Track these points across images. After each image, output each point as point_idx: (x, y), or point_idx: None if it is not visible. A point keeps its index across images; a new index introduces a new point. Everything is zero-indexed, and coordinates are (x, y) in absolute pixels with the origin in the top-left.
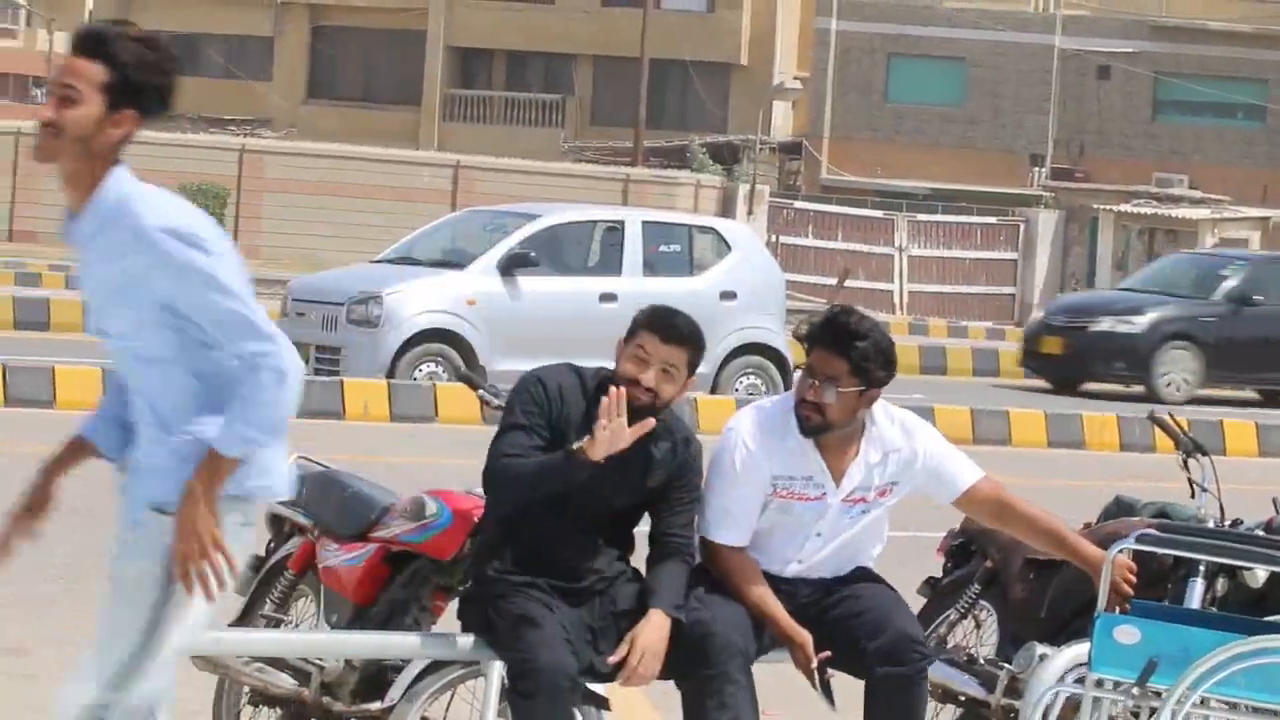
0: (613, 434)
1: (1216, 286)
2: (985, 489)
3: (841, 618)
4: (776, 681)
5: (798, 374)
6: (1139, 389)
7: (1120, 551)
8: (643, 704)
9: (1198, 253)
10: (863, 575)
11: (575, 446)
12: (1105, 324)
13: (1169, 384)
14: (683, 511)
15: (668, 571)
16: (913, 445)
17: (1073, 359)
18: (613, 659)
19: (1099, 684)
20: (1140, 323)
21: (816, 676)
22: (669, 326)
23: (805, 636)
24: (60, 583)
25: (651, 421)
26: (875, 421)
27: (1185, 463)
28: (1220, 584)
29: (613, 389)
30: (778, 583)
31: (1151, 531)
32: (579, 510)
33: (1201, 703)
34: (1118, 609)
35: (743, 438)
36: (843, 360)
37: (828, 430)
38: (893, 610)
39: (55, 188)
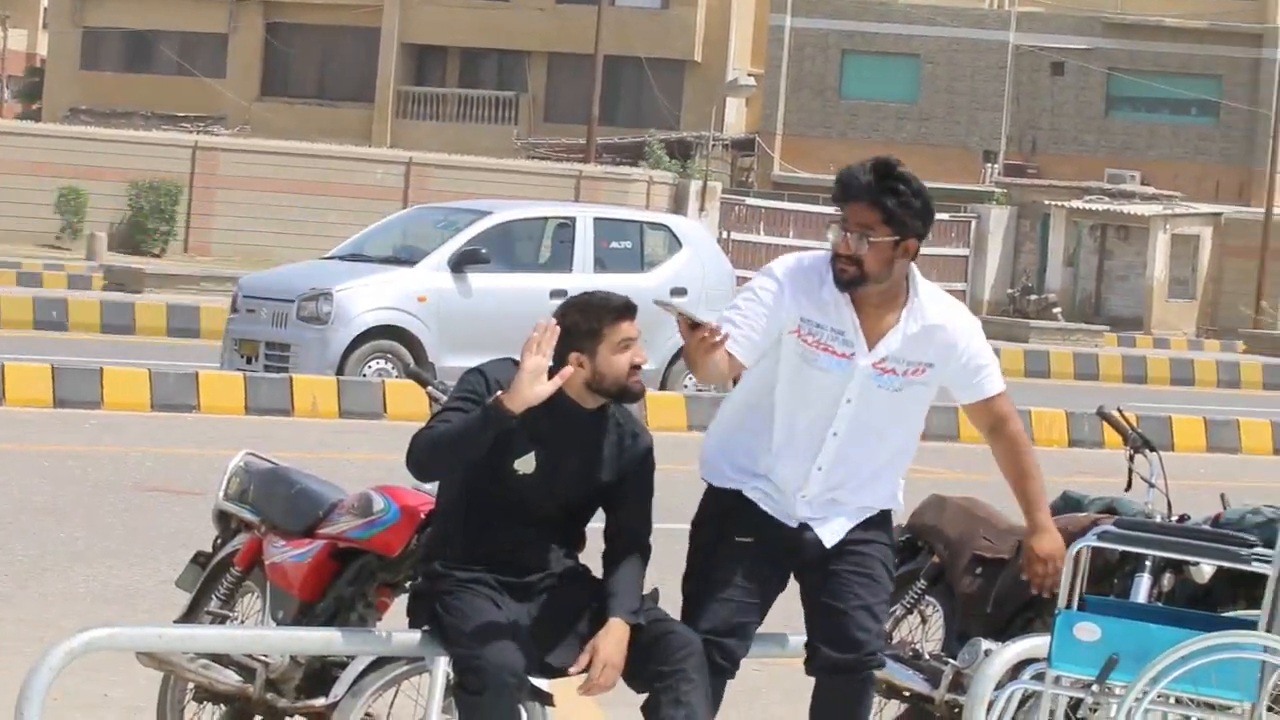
0: (531, 375)
1: None
2: (1004, 403)
3: (815, 601)
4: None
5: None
6: None
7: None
8: (588, 700)
9: None
10: (868, 549)
11: (493, 398)
12: None
13: None
14: (637, 508)
15: (626, 573)
16: (956, 328)
17: None
18: (574, 669)
19: (1058, 681)
20: None
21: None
22: (628, 307)
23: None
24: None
25: (570, 369)
26: (918, 294)
27: (1133, 458)
28: (1166, 579)
29: (540, 323)
30: (787, 532)
31: (1111, 528)
32: (527, 507)
33: (1160, 699)
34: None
35: (775, 272)
36: (875, 210)
37: (863, 283)
38: (856, 614)
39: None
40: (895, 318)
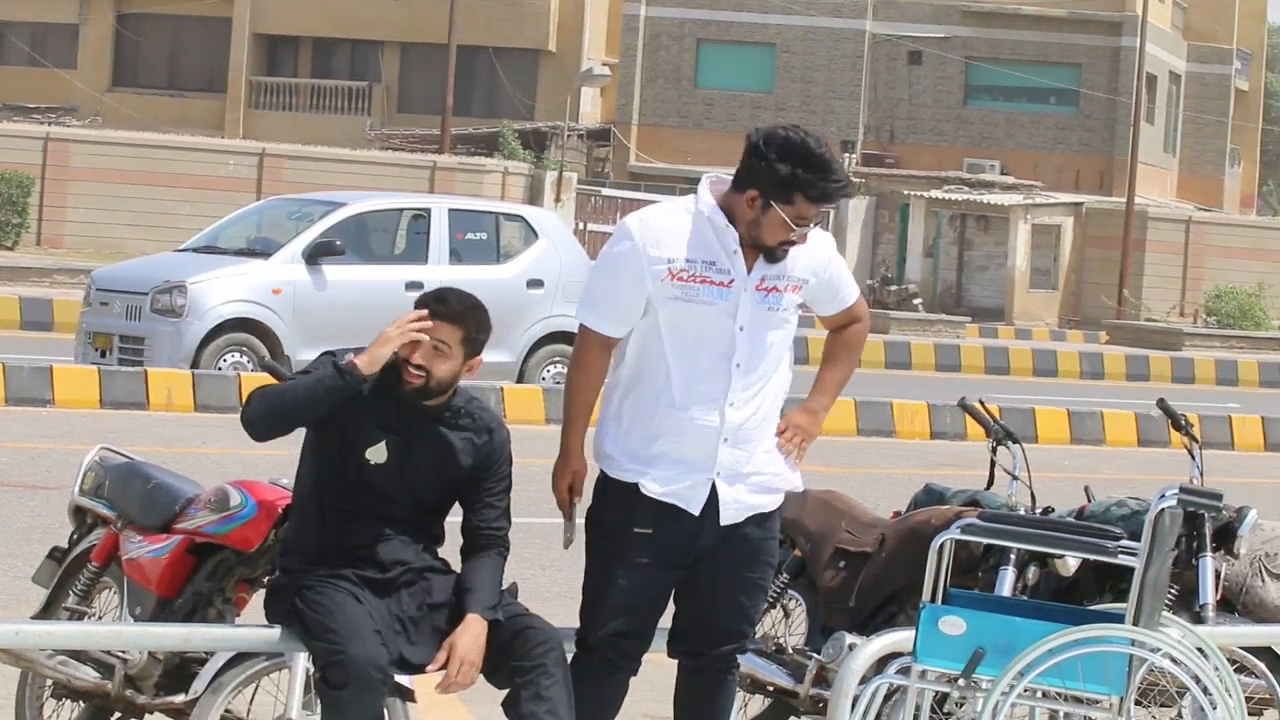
0: (384, 340)
1: None
2: (861, 306)
3: (691, 589)
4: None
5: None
6: None
7: (943, 543)
8: (450, 696)
9: None
10: (758, 545)
11: (347, 359)
12: None
13: None
14: (495, 503)
15: (483, 569)
16: (821, 243)
17: None
18: (431, 667)
19: (923, 675)
20: None
21: (566, 509)
22: (437, 303)
23: (580, 467)
24: None
25: (425, 338)
26: None
27: (995, 450)
28: (1031, 572)
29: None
30: (687, 521)
31: (975, 521)
32: (383, 500)
33: (1027, 693)
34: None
35: (631, 228)
36: (812, 206)
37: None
38: (727, 610)
39: None
40: None
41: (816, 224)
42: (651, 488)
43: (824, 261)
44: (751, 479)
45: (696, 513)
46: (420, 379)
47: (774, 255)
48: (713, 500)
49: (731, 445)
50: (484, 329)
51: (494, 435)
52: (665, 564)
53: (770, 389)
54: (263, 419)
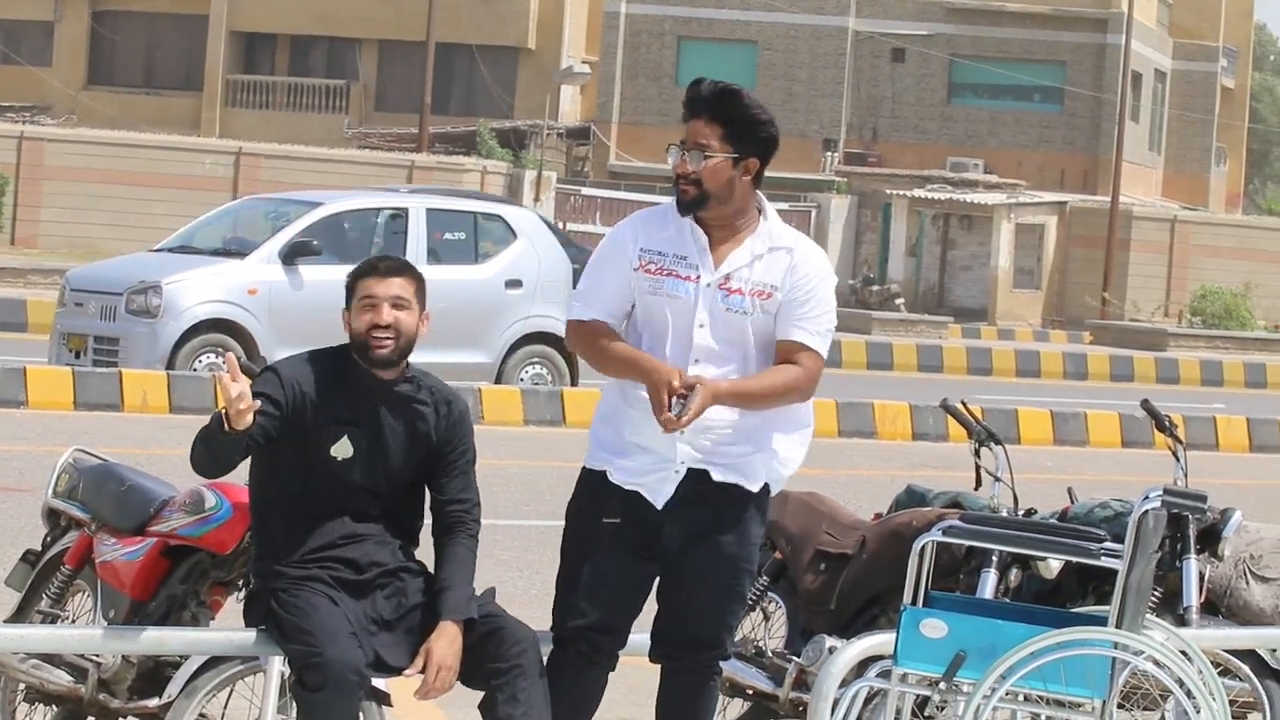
0: (226, 389)
1: None
2: (802, 357)
3: (666, 593)
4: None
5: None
6: None
7: (925, 544)
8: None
9: None
10: (730, 548)
11: (223, 415)
12: None
13: None
14: (459, 474)
15: (457, 565)
16: (804, 256)
17: None
18: (409, 671)
19: (904, 678)
20: None
21: (673, 407)
22: (382, 262)
23: (671, 371)
24: None
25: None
26: (768, 217)
27: (978, 451)
28: (1013, 575)
29: (229, 356)
30: (653, 514)
31: (957, 523)
32: (356, 496)
33: (1008, 696)
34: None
35: (620, 226)
36: (714, 125)
37: (703, 203)
38: (703, 614)
39: None
40: (740, 240)
41: (706, 155)
42: (619, 476)
43: (799, 278)
44: (721, 456)
45: (660, 505)
46: (390, 340)
47: (679, 199)
48: (680, 496)
49: (687, 442)
50: (423, 281)
51: (454, 406)
52: (633, 554)
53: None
54: (208, 464)
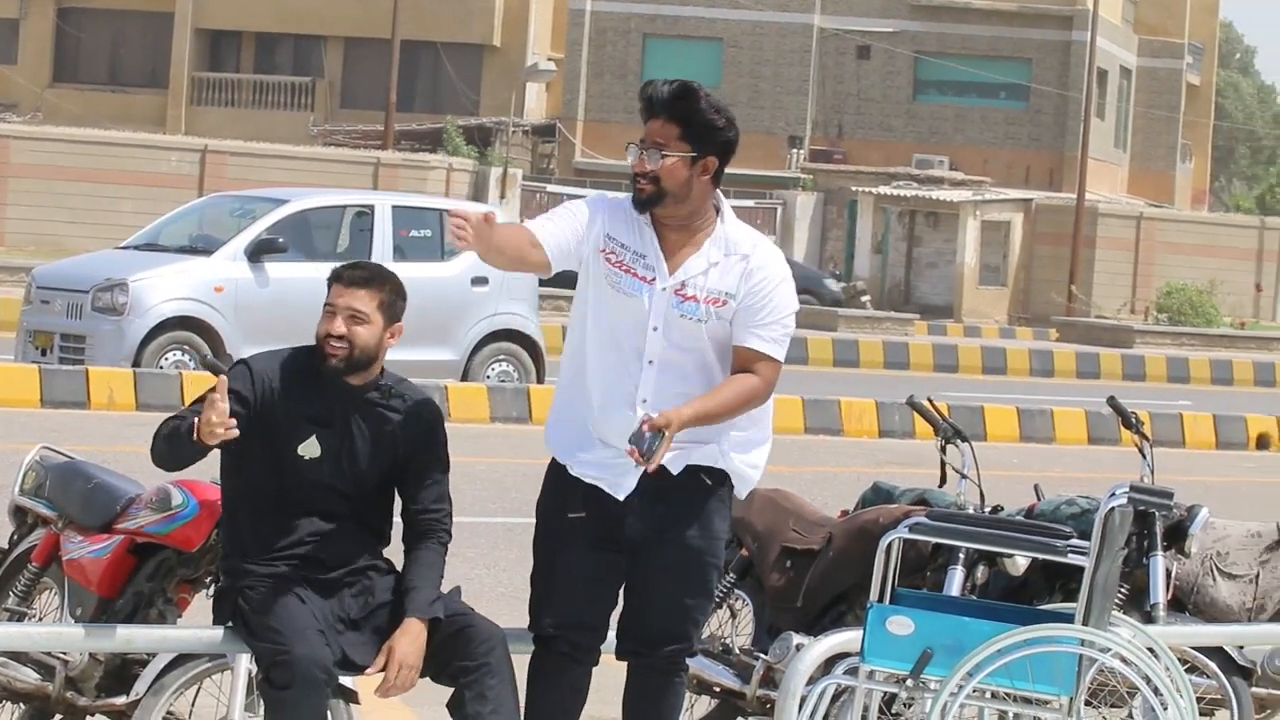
0: (210, 412)
1: None
2: (760, 366)
3: (631, 589)
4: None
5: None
6: None
7: (891, 541)
8: (394, 698)
9: None
10: (695, 542)
11: (194, 424)
12: None
13: None
14: (432, 484)
15: (424, 563)
16: (762, 262)
17: None
18: (371, 670)
19: (871, 675)
20: None
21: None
22: (348, 271)
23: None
24: None
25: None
26: (725, 221)
27: (944, 448)
28: (980, 572)
29: (221, 380)
30: (614, 507)
31: (924, 520)
32: (324, 495)
33: (976, 693)
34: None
35: (592, 200)
36: (672, 125)
37: (660, 200)
38: (667, 610)
39: None
40: (698, 244)
41: (664, 154)
42: (580, 470)
43: (754, 284)
44: (676, 459)
45: (621, 498)
46: (342, 350)
47: (635, 196)
48: (640, 488)
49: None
50: (400, 294)
51: (424, 411)
52: (600, 548)
53: (699, 395)
54: (169, 461)
